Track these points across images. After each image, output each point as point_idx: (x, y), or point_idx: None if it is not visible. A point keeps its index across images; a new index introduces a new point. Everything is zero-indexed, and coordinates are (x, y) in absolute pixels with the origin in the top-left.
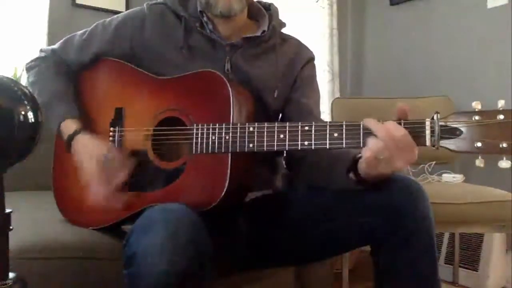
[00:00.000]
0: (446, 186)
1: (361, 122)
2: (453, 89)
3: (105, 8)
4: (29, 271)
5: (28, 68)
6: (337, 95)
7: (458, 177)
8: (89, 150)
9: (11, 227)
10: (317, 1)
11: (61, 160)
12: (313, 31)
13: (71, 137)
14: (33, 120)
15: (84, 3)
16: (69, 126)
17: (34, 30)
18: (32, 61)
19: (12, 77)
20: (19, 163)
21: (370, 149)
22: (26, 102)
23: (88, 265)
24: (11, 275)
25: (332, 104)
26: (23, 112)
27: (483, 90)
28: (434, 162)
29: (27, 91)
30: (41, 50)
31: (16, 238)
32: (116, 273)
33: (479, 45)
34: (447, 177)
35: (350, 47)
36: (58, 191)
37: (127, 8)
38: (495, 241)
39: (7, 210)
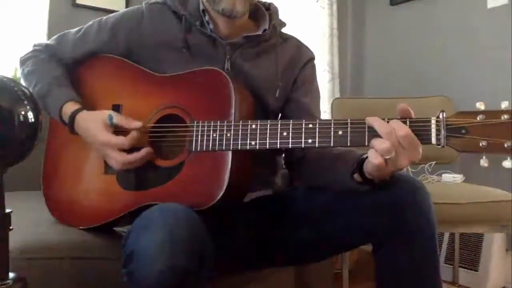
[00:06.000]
0: (446, 186)
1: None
2: (453, 89)
3: (105, 8)
4: (29, 271)
5: (23, 60)
6: (337, 95)
7: (458, 177)
8: (93, 121)
9: (11, 227)
10: (317, 1)
11: (52, 156)
12: (313, 31)
13: (73, 116)
14: (33, 120)
15: (84, 3)
16: (70, 107)
17: (34, 30)
18: (26, 53)
19: (12, 77)
20: (19, 163)
21: (379, 153)
22: (26, 102)
23: (88, 265)
24: (11, 275)
25: (332, 104)
26: (23, 112)
27: (483, 90)
28: (434, 162)
29: (27, 91)
30: (34, 45)
31: (16, 238)
32: (116, 273)
33: (479, 45)
34: (447, 177)
35: (350, 47)
36: (47, 187)
37: (127, 8)
38: (495, 241)
39: (7, 210)
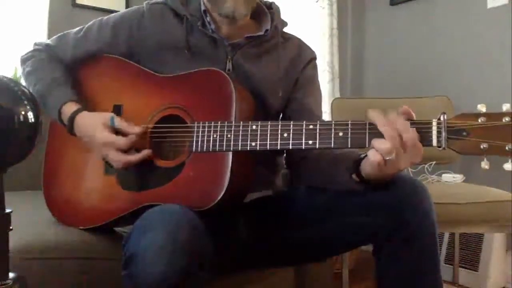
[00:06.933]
0: (446, 186)
1: (367, 122)
2: (453, 89)
3: (105, 8)
4: (29, 271)
5: (24, 60)
6: (337, 95)
7: (458, 177)
8: (93, 122)
9: (11, 227)
10: (317, 1)
11: (53, 157)
12: (313, 31)
13: (73, 116)
14: (33, 120)
15: (84, 3)
16: (70, 108)
17: (34, 30)
18: (27, 53)
19: (12, 77)
20: (19, 163)
21: (378, 152)
22: (26, 102)
23: (88, 265)
24: (11, 275)
25: (332, 104)
26: (23, 112)
27: (483, 90)
28: (434, 162)
29: (27, 91)
30: (35, 44)
31: (16, 238)
32: (116, 273)
33: (479, 45)
34: (447, 177)
35: (350, 47)
36: (48, 188)
37: (127, 8)
38: (495, 241)
39: (7, 210)
